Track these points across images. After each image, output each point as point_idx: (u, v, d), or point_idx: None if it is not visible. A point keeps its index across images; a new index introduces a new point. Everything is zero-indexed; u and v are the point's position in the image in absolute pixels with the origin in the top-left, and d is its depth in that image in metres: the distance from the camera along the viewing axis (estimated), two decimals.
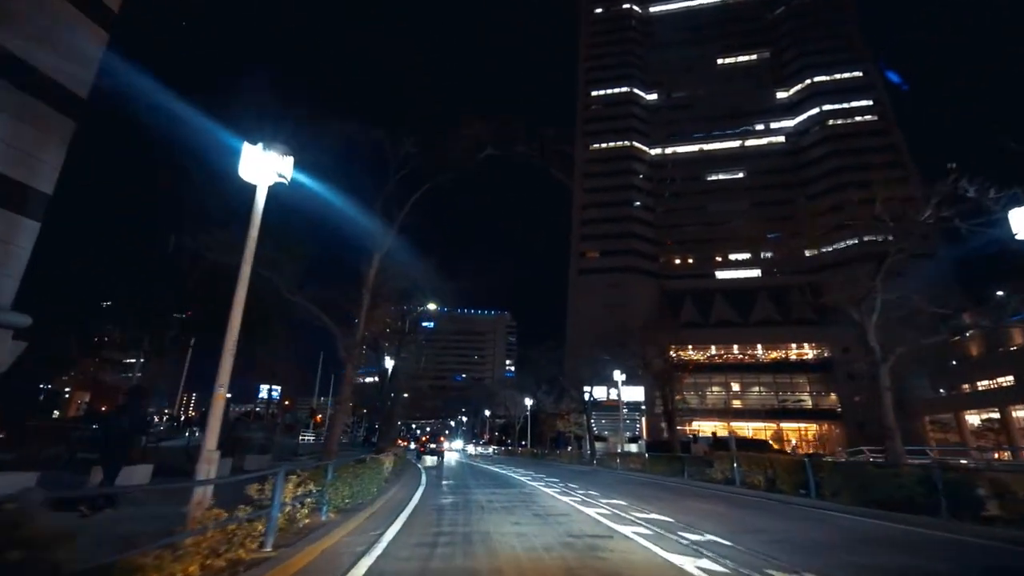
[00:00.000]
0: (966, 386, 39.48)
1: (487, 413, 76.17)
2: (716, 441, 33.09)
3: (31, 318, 8.98)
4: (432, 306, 25.39)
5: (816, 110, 68.18)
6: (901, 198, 15.63)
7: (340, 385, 17.71)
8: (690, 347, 57.35)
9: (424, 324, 33.61)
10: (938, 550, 6.61)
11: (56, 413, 34.72)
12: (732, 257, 67.33)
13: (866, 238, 53.10)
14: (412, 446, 57.74)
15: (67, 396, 42.03)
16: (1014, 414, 33.00)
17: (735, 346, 60.88)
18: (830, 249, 59.33)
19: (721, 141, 73.06)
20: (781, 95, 72.93)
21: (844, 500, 10.30)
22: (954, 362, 40.77)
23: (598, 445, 36.24)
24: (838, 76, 68.63)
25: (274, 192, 7.72)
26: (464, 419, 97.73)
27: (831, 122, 66.90)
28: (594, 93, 78.95)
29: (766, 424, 55.39)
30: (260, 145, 6.82)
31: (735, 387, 59.24)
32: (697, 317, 60.29)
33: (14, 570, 2.46)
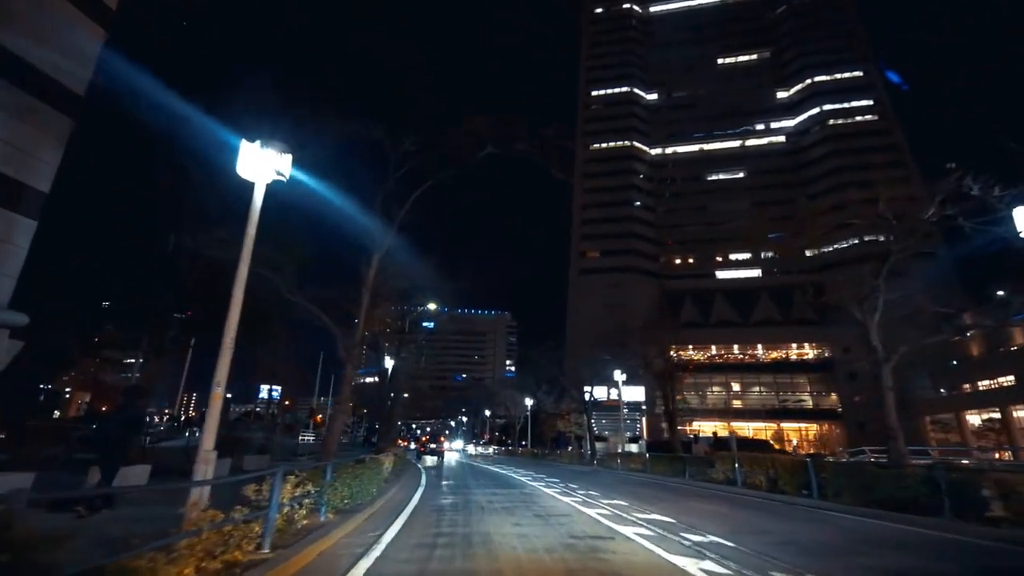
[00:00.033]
0: (967, 386, 39.41)
1: (487, 413, 76.12)
2: (717, 441, 33.02)
3: (28, 317, 8.92)
4: (432, 306, 25.35)
5: (816, 110, 68.11)
6: (903, 198, 15.59)
7: (340, 385, 17.66)
8: (690, 347, 57.33)
9: (424, 324, 33.53)
10: (943, 551, 6.54)
11: (57, 413, 34.72)
12: (732, 257, 67.28)
13: (867, 238, 53.27)
14: (412, 446, 57.70)
15: (67, 396, 42.02)
16: (1015, 414, 32.93)
17: (735, 346, 60.84)
18: (831, 249, 59.48)
19: (721, 141, 72.99)
20: (781, 95, 72.86)
21: (847, 500, 10.24)
22: (955, 362, 40.70)
23: (599, 445, 36.16)
24: (838, 76, 68.58)
25: (273, 190, 7.66)
26: (464, 419, 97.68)
27: (832, 122, 66.83)
28: (595, 93, 78.90)
29: (766, 424, 55.32)
30: (258, 143, 6.77)
31: (735, 387, 59.20)
32: (697, 317, 60.23)
33: (1, 573, 2.40)
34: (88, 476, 8.95)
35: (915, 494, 9.04)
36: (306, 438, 42.84)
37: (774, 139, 71.82)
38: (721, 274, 66.52)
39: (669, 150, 75.12)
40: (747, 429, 52.66)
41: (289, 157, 7.00)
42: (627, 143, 74.49)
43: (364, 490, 9.60)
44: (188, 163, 14.94)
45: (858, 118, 66.01)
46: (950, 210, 11.33)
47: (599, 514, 8.90)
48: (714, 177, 71.92)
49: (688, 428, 50.61)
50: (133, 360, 28.89)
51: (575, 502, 10.77)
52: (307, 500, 6.76)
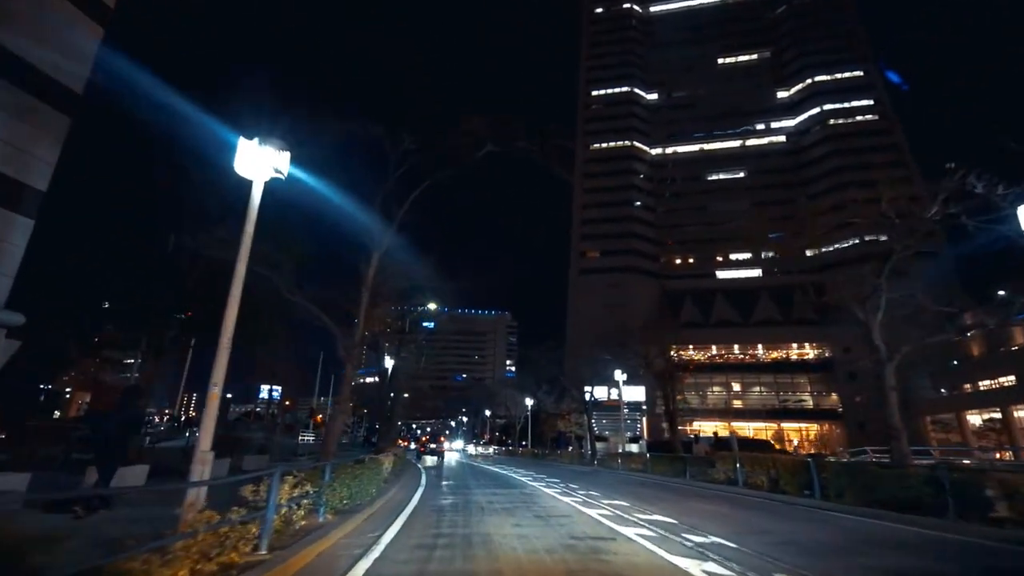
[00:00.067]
0: (967, 386, 39.33)
1: (487, 413, 76.07)
2: (718, 441, 32.95)
3: (24, 317, 8.86)
4: (432, 306, 25.30)
5: (817, 109, 68.05)
6: (904, 197, 15.52)
7: (340, 385, 17.61)
8: (691, 347, 57.25)
9: (424, 324, 33.50)
10: (947, 552, 6.48)
11: (57, 413, 34.69)
12: (733, 257, 67.22)
13: (867, 237, 53.22)
14: (412, 446, 57.68)
15: (68, 396, 41.96)
16: (1016, 414, 32.85)
17: (736, 346, 60.80)
18: (831, 249, 59.43)
19: (722, 141, 72.93)
20: (782, 94, 72.81)
21: (849, 501, 10.18)
22: (955, 362, 40.62)
23: (599, 445, 36.11)
24: (839, 75, 68.52)
25: (272, 189, 7.60)
26: (464, 419, 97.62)
27: (832, 121, 66.77)
28: (595, 93, 78.86)
29: (767, 424, 55.27)
30: (256, 140, 6.71)
31: (736, 387, 59.14)
32: (698, 317, 60.18)
33: None
34: (85, 476, 8.90)
35: (918, 494, 8.98)
36: (306, 438, 42.82)
37: (774, 139, 71.77)
38: (721, 274, 66.46)
39: (669, 150, 75.06)
40: (747, 429, 52.60)
41: (287, 155, 6.94)
42: (627, 143, 74.43)
43: (363, 490, 9.55)
44: (188, 162, 14.89)
45: (858, 118, 65.96)
46: (953, 208, 11.27)
47: (600, 515, 8.84)
48: (714, 177, 71.86)
49: (688, 428, 50.55)
50: (132, 360, 28.84)
51: (576, 502, 10.71)
52: (305, 501, 6.70)
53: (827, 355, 55.70)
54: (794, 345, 59.15)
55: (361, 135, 14.12)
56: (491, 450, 66.88)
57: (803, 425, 55.57)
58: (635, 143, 74.53)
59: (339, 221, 14.11)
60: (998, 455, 28.42)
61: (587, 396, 37.11)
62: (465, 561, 5.47)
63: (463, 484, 15.74)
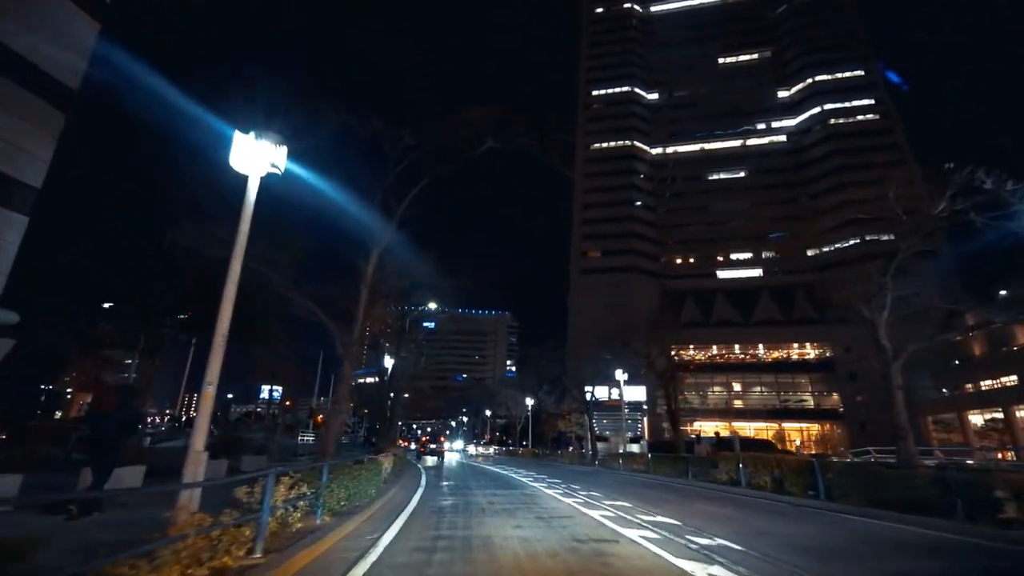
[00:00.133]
0: (969, 386, 39.16)
1: (488, 413, 75.96)
2: (719, 441, 32.78)
3: (18, 315, 8.72)
4: (432, 305, 25.17)
5: (818, 109, 67.86)
6: (906, 196, 15.40)
7: (338, 384, 17.47)
8: (691, 347, 57.14)
9: (424, 324, 33.39)
10: (959, 554, 6.35)
11: (59, 414, 34.62)
12: (734, 257, 67.07)
13: (868, 237, 53.12)
14: (412, 446, 57.57)
15: (69, 397, 41.86)
16: (1018, 414, 32.70)
17: (736, 346, 60.65)
18: (832, 248, 59.38)
19: (722, 140, 72.76)
20: (783, 94, 72.64)
21: (854, 502, 10.04)
22: (957, 362, 40.47)
23: (600, 445, 36.00)
24: (839, 75, 68.30)
25: (270, 184, 7.47)
26: (465, 419, 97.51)
27: (833, 121, 66.58)
28: (595, 92, 78.69)
29: (768, 424, 55.11)
30: (252, 134, 6.59)
31: (736, 387, 58.98)
32: (698, 317, 60.03)
33: None
34: (80, 478, 8.77)
35: (925, 495, 8.85)
36: (306, 438, 42.68)
37: (775, 138, 71.58)
38: (722, 274, 66.29)
39: (670, 150, 74.90)
40: (748, 429, 52.45)
41: (284, 149, 6.82)
42: (628, 143, 74.26)
43: (362, 491, 9.42)
44: (186, 158, 14.75)
45: (859, 117, 65.78)
46: (961, 204, 11.13)
47: (602, 516, 8.71)
48: (715, 176, 71.69)
49: (689, 428, 50.41)
50: (130, 361, 28.71)
51: (577, 503, 10.58)
52: (302, 502, 6.57)
53: (828, 355, 55.54)
54: (795, 345, 58.99)
55: (360, 130, 13.98)
56: (491, 450, 66.77)
57: (804, 425, 55.42)
58: (636, 143, 74.36)
59: (338, 218, 14.00)
60: (1000, 455, 28.33)
61: (588, 396, 36.98)
62: (465, 564, 5.34)
63: (463, 484, 15.60)
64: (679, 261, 69.21)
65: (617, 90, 77.59)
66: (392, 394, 29.20)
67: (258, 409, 58.94)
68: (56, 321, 16.01)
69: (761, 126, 72.56)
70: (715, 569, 5.13)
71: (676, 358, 34.06)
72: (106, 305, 19.49)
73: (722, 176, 71.42)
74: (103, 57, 10.65)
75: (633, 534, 6.98)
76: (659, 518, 8.49)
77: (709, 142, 73.20)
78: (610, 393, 43.55)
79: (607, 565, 5.27)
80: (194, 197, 13.53)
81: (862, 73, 67.92)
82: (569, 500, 11.19)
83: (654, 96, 78.19)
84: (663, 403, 36.14)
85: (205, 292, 16.64)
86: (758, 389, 58.23)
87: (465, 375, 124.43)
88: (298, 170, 10.36)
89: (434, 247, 19.29)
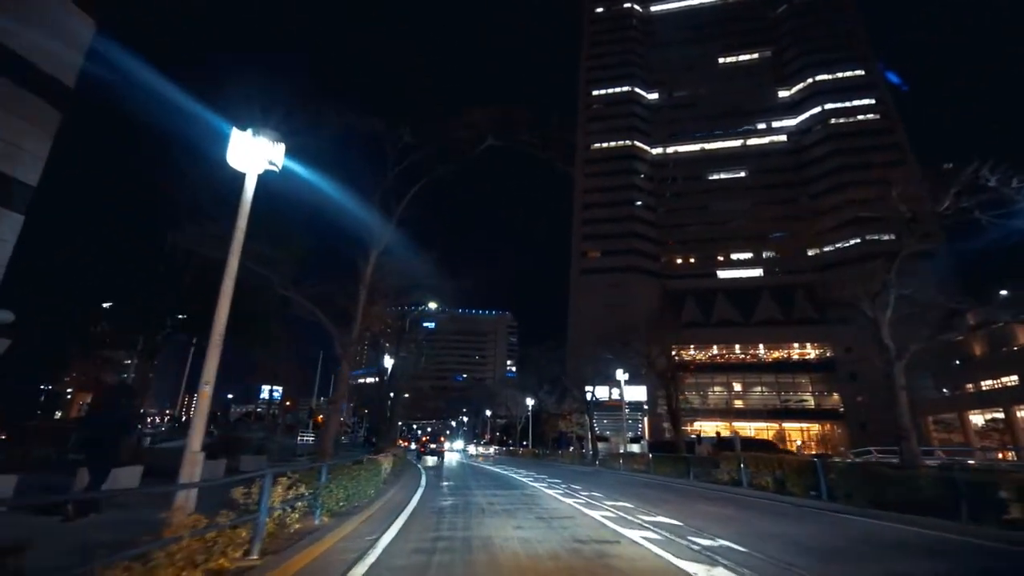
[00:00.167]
0: (970, 386, 39.07)
1: (488, 413, 75.89)
2: (720, 441, 32.70)
3: (14, 314, 8.65)
4: (432, 305, 25.10)
5: (818, 109, 67.81)
6: (908, 196, 15.33)
7: (337, 383, 17.40)
8: (692, 347, 57.07)
9: (424, 324, 33.33)
10: (964, 555, 6.28)
11: (59, 414, 34.56)
12: (734, 256, 67.04)
13: (868, 237, 53.07)
14: (412, 446, 57.49)
15: (69, 397, 41.81)
16: (1019, 414, 32.62)
17: (737, 346, 60.62)
18: (832, 248, 59.35)
19: (723, 140, 72.72)
20: (783, 94, 72.60)
21: (857, 502, 9.97)
22: (958, 362, 40.39)
23: (600, 446, 35.92)
24: (840, 75, 68.28)
25: (268, 182, 7.40)
26: (465, 419, 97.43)
27: (833, 121, 66.53)
28: (595, 92, 78.65)
29: (768, 424, 55.06)
30: (249, 131, 6.52)
31: (737, 387, 58.94)
32: (699, 317, 59.98)
33: None
34: (76, 478, 8.69)
35: (929, 496, 8.77)
36: (306, 438, 42.60)
37: (775, 138, 71.54)
38: (722, 274, 66.25)
39: (670, 149, 74.86)
40: (749, 429, 52.39)
41: (282, 147, 6.75)
42: (628, 143, 74.22)
43: (361, 492, 9.35)
44: (184, 156, 14.68)
45: (859, 117, 65.75)
46: (966, 202, 11.05)
47: (603, 516, 8.64)
48: (715, 176, 71.64)
49: (690, 428, 50.33)
50: (130, 361, 28.64)
51: (578, 504, 10.51)
52: (300, 503, 6.50)
53: (828, 355, 55.49)
54: (795, 345, 58.95)
55: (360, 129, 13.91)
56: (492, 450, 66.68)
57: (804, 425, 55.38)
58: (636, 143, 74.32)
59: (337, 217, 13.93)
60: (1001, 455, 28.27)
61: (588, 396, 36.91)
62: (465, 566, 5.27)
63: (463, 485, 15.53)
64: (679, 261, 69.16)
65: (617, 90, 77.55)
66: (392, 394, 29.14)
67: (258, 409, 58.89)
68: (54, 321, 15.94)
69: (761, 126, 72.51)
70: (718, 571, 5.06)
71: (676, 358, 33.96)
72: (106, 305, 19.42)
73: (722, 176, 71.37)
74: (104, 57, 10.57)
75: (635, 535, 6.91)
76: (660, 519, 8.42)
77: (709, 142, 73.15)
78: (611, 393, 43.48)
79: (609, 567, 5.21)
80: (195, 198, 13.47)
81: (862, 73, 67.88)
82: (570, 500, 11.12)
83: (654, 96, 78.15)
84: (664, 403, 36.04)
85: (205, 293, 16.57)
86: (759, 389, 58.18)
87: (465, 375, 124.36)
88: (297, 168, 10.29)
89: (434, 247, 19.26)
